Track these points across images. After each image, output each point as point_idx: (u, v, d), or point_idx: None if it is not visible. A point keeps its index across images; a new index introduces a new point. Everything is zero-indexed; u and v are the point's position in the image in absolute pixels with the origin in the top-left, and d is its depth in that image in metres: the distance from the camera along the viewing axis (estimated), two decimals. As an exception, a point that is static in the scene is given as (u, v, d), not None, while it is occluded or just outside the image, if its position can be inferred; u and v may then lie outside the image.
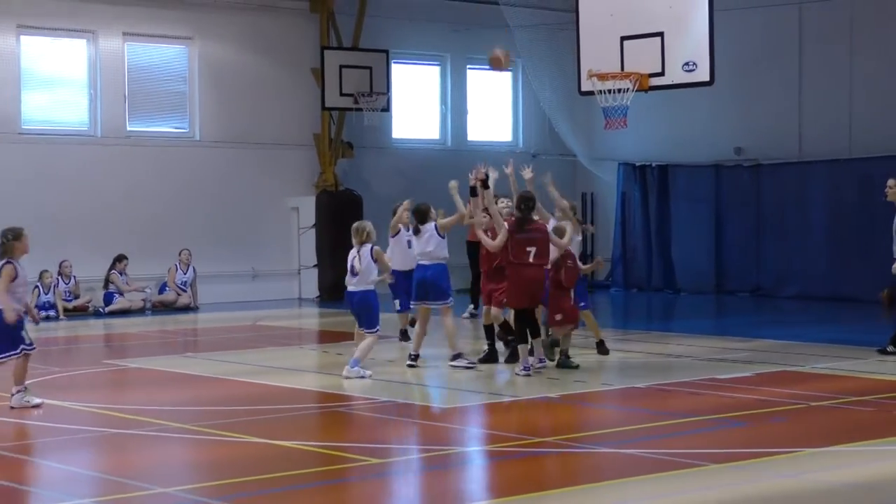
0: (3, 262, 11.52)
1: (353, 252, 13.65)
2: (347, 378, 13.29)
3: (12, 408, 11.52)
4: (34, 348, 11.80)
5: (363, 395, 12.38)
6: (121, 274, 22.81)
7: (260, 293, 24.93)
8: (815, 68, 24.69)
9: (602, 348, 15.19)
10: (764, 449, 9.41)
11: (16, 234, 11.70)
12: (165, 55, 24.49)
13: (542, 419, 11.43)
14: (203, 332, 20.10)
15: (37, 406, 11.60)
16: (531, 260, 13.33)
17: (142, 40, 24.09)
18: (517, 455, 9.48)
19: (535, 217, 13.91)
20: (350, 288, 13.68)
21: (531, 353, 13.64)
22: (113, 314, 22.27)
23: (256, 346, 17.13)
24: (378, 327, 13.73)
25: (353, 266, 13.52)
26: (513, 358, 14.12)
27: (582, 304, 14.69)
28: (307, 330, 20.87)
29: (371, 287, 13.58)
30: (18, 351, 11.54)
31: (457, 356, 14.21)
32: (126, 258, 22.85)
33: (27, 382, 11.74)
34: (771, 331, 18.30)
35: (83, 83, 23.55)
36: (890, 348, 14.87)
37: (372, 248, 13.51)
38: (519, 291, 13.40)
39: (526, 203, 13.63)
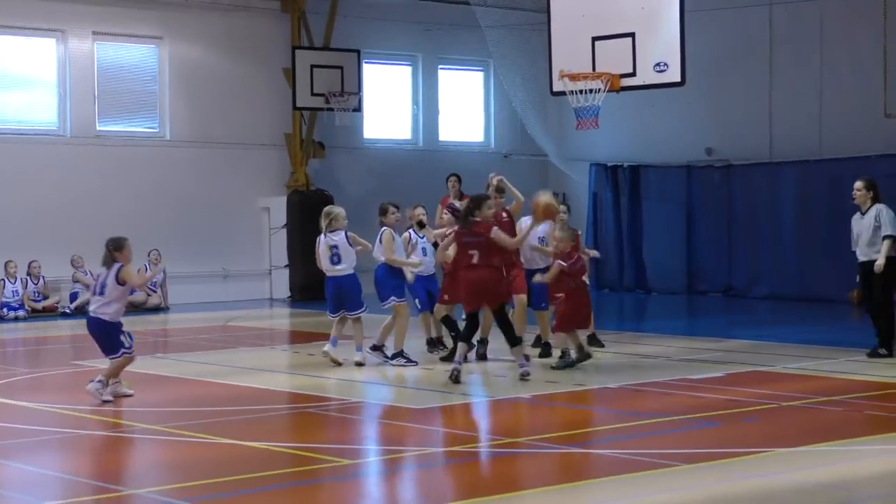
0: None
1: (322, 238, 14.18)
2: (360, 364, 14.24)
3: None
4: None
5: (334, 396, 12.32)
6: (83, 272, 22.57)
7: (231, 293, 24.84)
8: (785, 69, 24.72)
9: (546, 350, 15.02)
10: (735, 449, 9.42)
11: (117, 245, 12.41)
12: (135, 55, 24.37)
13: (514, 419, 11.37)
14: (173, 333, 19.95)
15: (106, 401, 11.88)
16: (475, 262, 13.12)
17: (112, 40, 23.97)
18: (488, 456, 9.44)
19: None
20: (332, 274, 14.29)
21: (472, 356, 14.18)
22: (80, 312, 22.07)
23: (227, 346, 17.05)
24: (365, 307, 14.44)
25: (336, 254, 14.18)
26: (450, 356, 14.10)
27: (543, 304, 14.76)
28: (278, 330, 20.78)
29: (353, 271, 14.31)
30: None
31: (396, 355, 14.46)
32: (80, 257, 22.55)
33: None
34: (742, 331, 18.30)
35: (52, 83, 23.43)
36: (882, 350, 14.77)
37: (346, 233, 14.16)
38: (467, 293, 13.28)
39: (468, 206, 13.53)
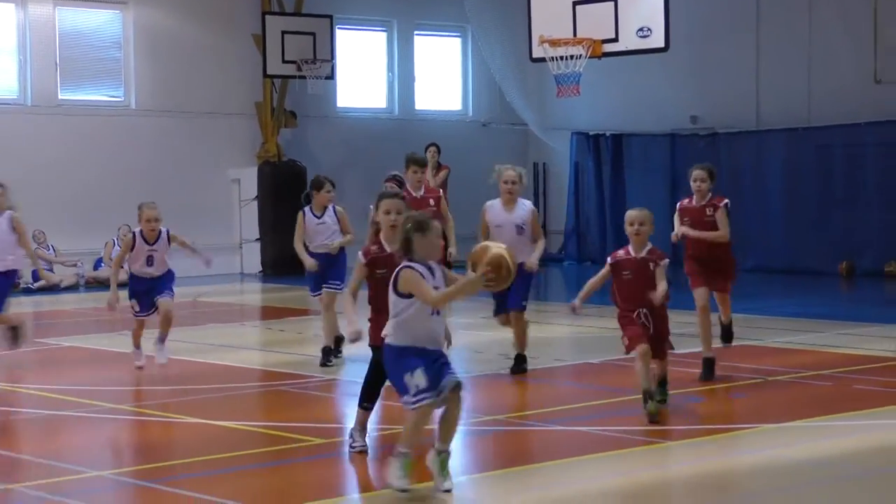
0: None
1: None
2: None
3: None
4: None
5: (306, 373, 12.12)
6: (45, 248, 22.06)
7: (200, 268, 24.14)
8: (772, 35, 24.40)
9: (519, 366, 12.12)
10: (722, 425, 9.47)
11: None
12: (98, 20, 23.79)
13: (494, 397, 11.19)
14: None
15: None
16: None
17: (73, 5, 23.43)
18: (469, 433, 9.22)
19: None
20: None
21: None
22: (43, 290, 21.52)
23: (196, 323, 16.89)
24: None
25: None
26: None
27: (523, 302, 12.03)
28: (249, 306, 20.60)
29: None
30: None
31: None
32: (42, 233, 22.07)
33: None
34: (731, 303, 17.98)
35: (12, 50, 22.82)
36: None
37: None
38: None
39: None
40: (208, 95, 24.63)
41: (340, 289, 12.47)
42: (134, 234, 12.72)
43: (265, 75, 24.64)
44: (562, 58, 17.17)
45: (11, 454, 9.06)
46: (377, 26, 27.17)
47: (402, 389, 7.37)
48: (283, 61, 24.28)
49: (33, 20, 22.84)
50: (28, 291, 21.61)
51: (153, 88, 24.13)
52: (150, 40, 24.07)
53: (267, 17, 24.44)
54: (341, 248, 12.76)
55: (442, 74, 28.18)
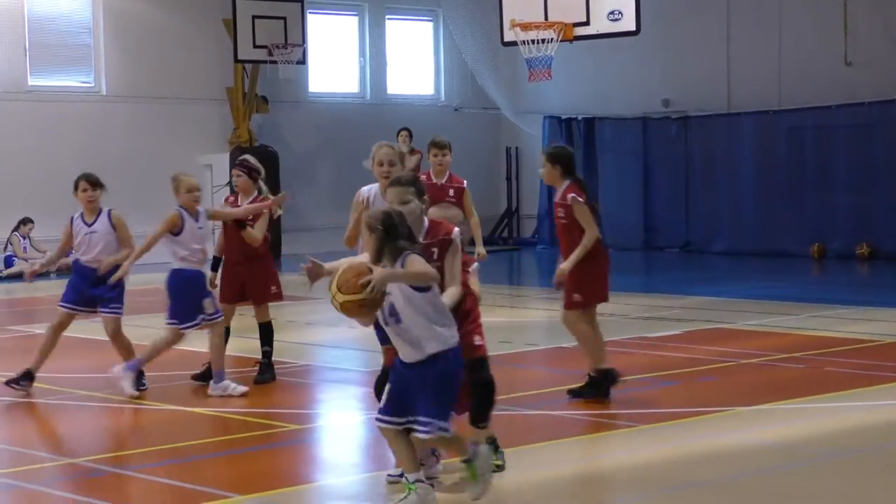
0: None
1: None
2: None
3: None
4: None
5: (281, 359, 11.93)
6: (23, 238, 22.00)
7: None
8: (743, 17, 24.38)
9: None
10: (694, 409, 9.38)
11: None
12: (68, 5, 23.54)
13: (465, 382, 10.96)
14: (132, 294, 19.35)
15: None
16: None
17: (43, -11, 23.22)
18: None
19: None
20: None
21: None
22: (12, 278, 21.40)
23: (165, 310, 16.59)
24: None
25: None
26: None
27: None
28: None
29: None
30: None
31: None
32: (31, 221, 22.00)
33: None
34: (701, 287, 18.25)
35: (-19, 36, 22.60)
36: None
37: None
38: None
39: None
40: (179, 81, 24.45)
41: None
42: (179, 211, 10.39)
43: (236, 60, 24.44)
44: (533, 41, 17.11)
45: (-17, 442, 9.03)
46: (348, 10, 27.03)
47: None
48: (255, 46, 24.07)
49: (2, 5, 22.61)
50: (-1, 279, 21.53)
51: (124, 74, 23.94)
52: (120, 25, 23.87)
53: (237, 1, 24.15)
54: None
55: (414, 59, 28.08)
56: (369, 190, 8.42)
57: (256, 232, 10.66)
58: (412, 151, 21.00)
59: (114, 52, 23.84)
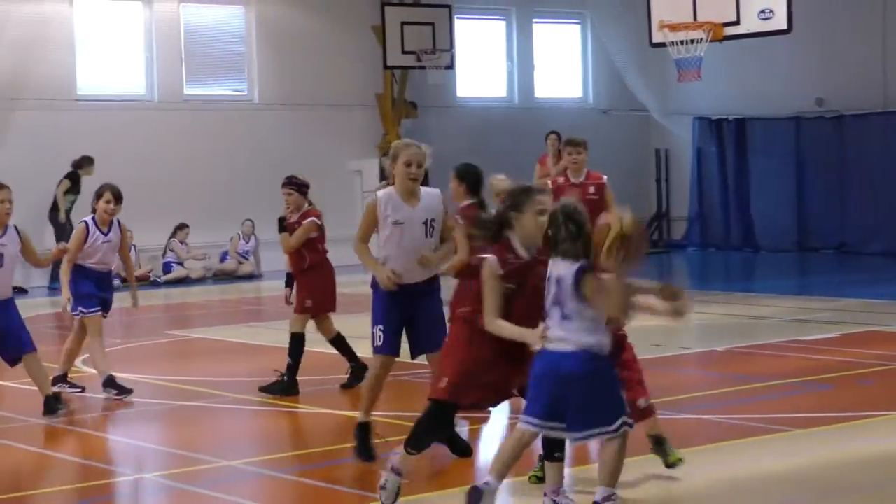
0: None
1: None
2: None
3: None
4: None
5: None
6: (181, 243, 22.56)
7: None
8: (900, 10, 23.87)
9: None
10: (850, 413, 9.21)
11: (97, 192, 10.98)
12: (222, 16, 24.09)
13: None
14: (267, 301, 19.73)
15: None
16: None
17: (197, 1, 23.73)
18: None
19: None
20: None
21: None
22: (170, 283, 21.94)
23: None
24: None
25: None
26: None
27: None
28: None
29: None
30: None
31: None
32: (187, 226, 22.56)
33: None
34: (856, 289, 17.95)
35: (139, 47, 23.21)
36: None
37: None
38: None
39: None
40: (329, 88, 24.73)
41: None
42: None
43: (385, 67, 24.65)
44: (682, 42, 17.01)
45: (145, 444, 9.24)
46: (496, 15, 27.08)
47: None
48: (403, 52, 24.26)
49: (159, 18, 23.17)
50: (156, 284, 22.02)
51: (275, 82, 24.34)
52: (271, 34, 24.28)
53: (386, 8, 24.46)
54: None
55: (561, 62, 27.99)
56: (386, 194, 8.19)
57: (289, 240, 10.96)
58: (559, 156, 20.91)
59: (266, 61, 24.27)
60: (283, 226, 11.04)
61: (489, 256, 6.67)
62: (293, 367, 10.78)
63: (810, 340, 12.83)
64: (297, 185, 11.21)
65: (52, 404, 9.93)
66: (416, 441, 7.10)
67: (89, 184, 20.55)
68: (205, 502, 7.58)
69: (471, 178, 8.94)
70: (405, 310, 8.18)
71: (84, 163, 21.21)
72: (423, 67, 24.43)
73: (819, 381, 10.63)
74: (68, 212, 20.97)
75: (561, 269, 6.34)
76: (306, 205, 11.16)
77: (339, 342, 11.15)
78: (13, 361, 10.06)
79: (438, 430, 7.31)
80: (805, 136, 25.34)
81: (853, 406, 9.49)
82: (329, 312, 11.11)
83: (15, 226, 10.07)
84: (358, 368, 10.87)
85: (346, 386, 10.92)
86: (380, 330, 8.14)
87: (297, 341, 10.89)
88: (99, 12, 22.98)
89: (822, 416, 9.13)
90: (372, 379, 8.30)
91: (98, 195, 10.96)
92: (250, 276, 23.05)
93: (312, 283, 11.03)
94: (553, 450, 6.81)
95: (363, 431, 8.18)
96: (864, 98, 24.34)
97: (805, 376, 10.76)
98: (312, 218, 10.99)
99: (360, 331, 14.47)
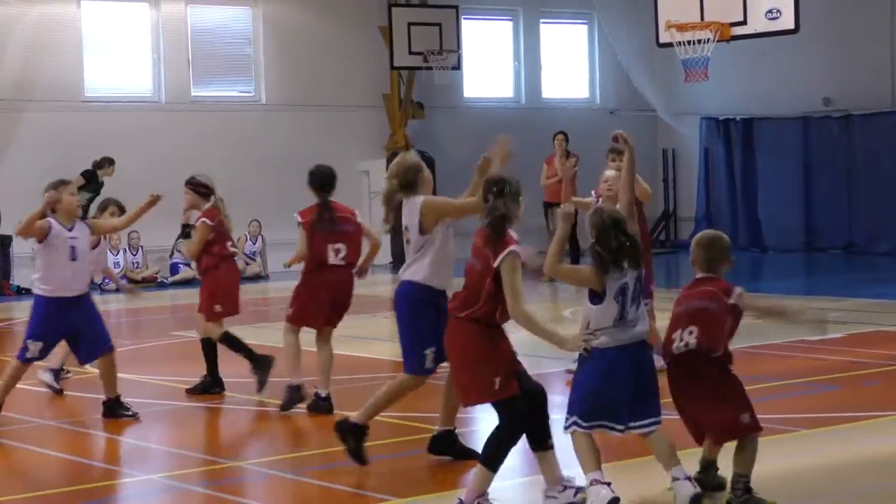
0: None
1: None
2: None
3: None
4: None
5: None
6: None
7: (331, 260, 24.46)
8: (907, 11, 23.85)
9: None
10: (857, 413, 9.24)
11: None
12: (229, 17, 24.15)
13: None
14: (274, 302, 19.67)
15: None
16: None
17: (204, 2, 23.80)
18: None
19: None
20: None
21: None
22: (177, 284, 21.96)
23: None
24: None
25: None
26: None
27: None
28: (381, 297, 19.93)
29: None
30: None
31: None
32: (194, 227, 22.53)
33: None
34: (864, 289, 17.95)
35: (146, 49, 23.28)
36: None
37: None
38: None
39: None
40: (336, 88, 24.76)
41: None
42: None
43: (392, 67, 24.70)
44: (689, 42, 16.99)
45: (155, 446, 9.26)
46: (503, 15, 27.09)
47: None
48: (410, 53, 24.30)
49: (166, 19, 23.23)
50: (163, 285, 22.05)
51: (282, 83, 24.38)
52: (278, 35, 24.32)
53: (393, 8, 24.51)
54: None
55: (568, 62, 27.98)
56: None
57: (191, 244, 10.99)
58: (568, 155, 20.94)
59: (273, 62, 24.31)
60: (187, 232, 11.09)
61: (516, 248, 6.86)
62: (212, 371, 10.77)
63: (817, 340, 12.75)
64: (193, 185, 11.22)
65: (115, 409, 9.83)
66: (503, 449, 6.99)
67: (108, 185, 20.69)
68: (209, 503, 7.59)
69: (314, 179, 9.97)
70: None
71: (104, 163, 21.30)
72: (430, 68, 24.42)
73: (826, 381, 10.64)
74: (85, 209, 21.00)
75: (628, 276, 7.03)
76: (206, 205, 11.08)
77: (230, 341, 10.81)
78: (88, 358, 9.96)
79: (520, 426, 7.07)
80: (813, 136, 25.31)
81: (860, 406, 9.50)
82: (231, 315, 10.88)
83: (82, 218, 10.11)
84: (261, 361, 10.65)
85: (261, 384, 10.50)
86: (433, 352, 7.91)
87: (213, 346, 10.79)
88: (106, 14, 23.07)
89: (828, 417, 9.14)
90: (397, 393, 8.15)
91: (102, 208, 11.28)
92: (257, 277, 23.06)
93: (213, 285, 10.84)
94: (544, 438, 6.95)
95: (361, 434, 8.09)
96: (871, 98, 24.28)
97: (812, 376, 10.75)
98: (203, 219, 10.88)
99: (360, 331, 14.56)
